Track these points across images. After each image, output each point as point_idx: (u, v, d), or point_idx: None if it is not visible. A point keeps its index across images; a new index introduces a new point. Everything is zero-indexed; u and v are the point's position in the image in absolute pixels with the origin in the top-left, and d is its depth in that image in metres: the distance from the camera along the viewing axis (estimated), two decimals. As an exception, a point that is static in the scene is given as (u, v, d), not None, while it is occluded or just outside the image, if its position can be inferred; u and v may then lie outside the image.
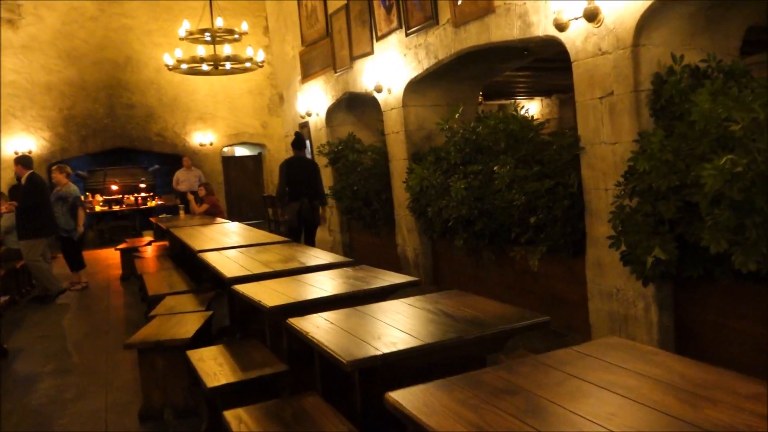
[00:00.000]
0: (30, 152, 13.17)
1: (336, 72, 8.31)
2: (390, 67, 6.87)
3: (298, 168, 7.35)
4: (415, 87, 6.68)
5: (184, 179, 13.23)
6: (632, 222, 3.60)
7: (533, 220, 4.81)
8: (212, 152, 15.64)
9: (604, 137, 4.21)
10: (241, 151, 17.43)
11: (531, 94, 11.61)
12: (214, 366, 3.10)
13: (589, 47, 4.22)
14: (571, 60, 4.41)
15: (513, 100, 11.86)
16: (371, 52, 7.25)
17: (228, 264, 4.29)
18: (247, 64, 11.93)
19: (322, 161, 9.10)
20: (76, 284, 8.05)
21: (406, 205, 6.87)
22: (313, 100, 9.21)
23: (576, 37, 4.30)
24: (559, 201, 4.57)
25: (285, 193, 7.27)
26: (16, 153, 12.42)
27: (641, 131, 3.87)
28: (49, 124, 13.90)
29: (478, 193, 5.48)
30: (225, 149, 16.19)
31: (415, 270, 6.97)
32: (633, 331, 4.22)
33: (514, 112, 5.30)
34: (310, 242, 7.22)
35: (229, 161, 16.47)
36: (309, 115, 9.39)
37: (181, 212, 9.62)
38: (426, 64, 6.24)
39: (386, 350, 2.05)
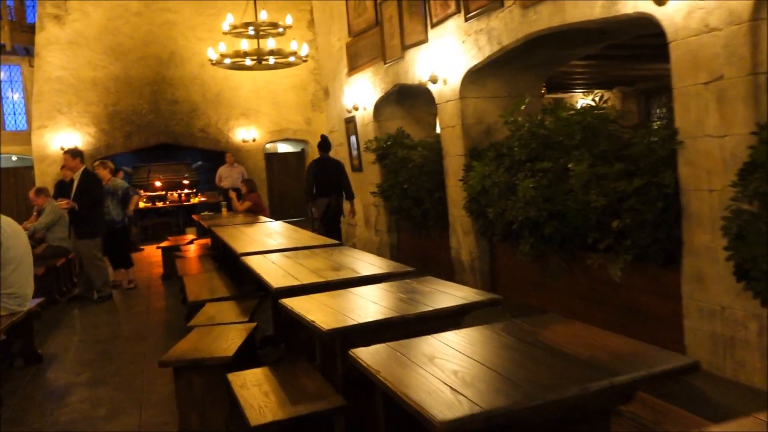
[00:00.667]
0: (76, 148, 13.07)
1: (386, 63, 7.80)
2: (446, 56, 6.32)
3: (325, 168, 8.17)
4: (473, 77, 6.12)
5: (226, 176, 12.95)
6: (754, 230, 2.97)
7: (616, 225, 4.20)
8: (255, 148, 15.34)
9: (710, 129, 3.57)
10: (283, 148, 17.10)
11: (590, 87, 10.88)
12: (258, 395, 2.62)
13: (692, 24, 3.59)
14: (669, 40, 3.78)
15: (570, 93, 11.19)
16: (425, 40, 6.71)
17: (273, 270, 3.82)
18: (291, 59, 11.53)
19: (369, 158, 8.62)
20: (129, 282, 7.87)
21: (462, 205, 6.32)
22: (360, 94, 8.73)
23: (676, 12, 3.68)
24: (651, 203, 3.95)
25: (312, 191, 8.07)
26: (62, 149, 12.31)
27: (763, 121, 3.23)
28: (94, 120, 13.81)
29: (547, 194, 4.88)
30: (267, 146, 15.88)
31: (471, 275, 6.42)
32: (741, 357, 3.58)
33: (593, 102, 4.68)
34: (334, 235, 7.50)
35: (271, 158, 16.17)
36: (356, 109, 8.91)
37: (224, 209, 9.27)
38: (487, 51, 5.66)
39: (491, 408, 1.52)
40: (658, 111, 11.33)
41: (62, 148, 12.45)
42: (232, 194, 9.41)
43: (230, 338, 3.45)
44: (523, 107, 5.42)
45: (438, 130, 7.37)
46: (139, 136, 14.22)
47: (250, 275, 4.38)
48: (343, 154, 9.87)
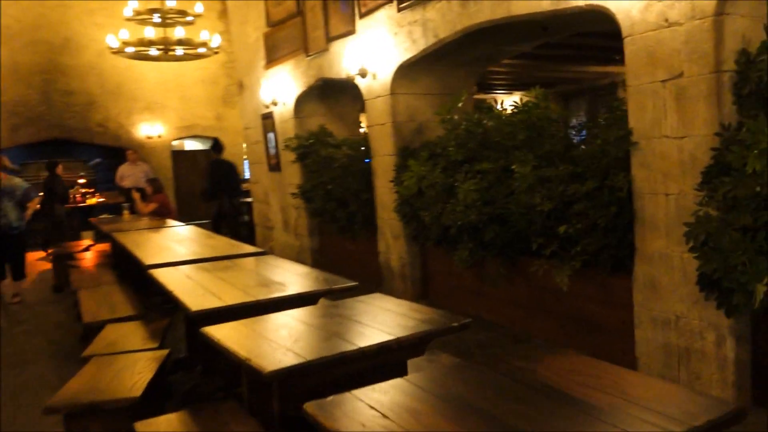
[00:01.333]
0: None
1: (308, 56, 7.28)
2: (376, 49, 5.91)
3: (219, 169, 9.05)
4: (405, 72, 5.74)
5: (128, 174, 11.89)
6: (728, 238, 2.76)
7: (563, 230, 3.94)
8: (160, 145, 14.27)
9: (667, 130, 3.36)
10: (190, 145, 16.06)
11: (511, 88, 10.83)
12: (176, 452, 2.08)
13: (650, 17, 3.36)
14: (624, 35, 3.55)
15: (490, 94, 11.10)
16: (353, 32, 6.26)
17: (189, 287, 3.24)
18: (201, 50, 10.72)
19: (288, 156, 8.05)
20: (14, 296, 6.79)
21: (392, 207, 5.93)
22: (280, 88, 8.15)
23: (633, 5, 3.44)
24: (603, 207, 3.72)
25: (208, 192, 8.90)
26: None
27: (726, 122, 3.04)
28: (-27, 111, 12.28)
29: (487, 196, 4.58)
30: (174, 143, 14.84)
31: (402, 282, 6.04)
32: (697, 368, 3.40)
33: (534, 100, 4.42)
34: (235, 235, 7.70)
35: (178, 156, 15.12)
36: (275, 104, 8.31)
37: (126, 212, 8.40)
38: (422, 44, 5.29)
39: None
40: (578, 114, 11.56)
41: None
42: (136, 195, 8.54)
43: (137, 372, 2.85)
44: (460, 104, 5.10)
45: (363, 129, 6.95)
46: (27, 130, 12.80)
47: (158, 289, 3.78)
48: (259, 152, 9.23)
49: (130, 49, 10.36)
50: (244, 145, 16.17)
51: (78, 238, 11.52)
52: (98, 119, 13.47)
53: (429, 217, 5.08)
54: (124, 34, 10.16)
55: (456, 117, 5.11)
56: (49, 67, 12.95)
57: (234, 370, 2.88)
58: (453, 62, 5.81)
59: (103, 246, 8.73)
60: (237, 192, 9.20)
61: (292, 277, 3.42)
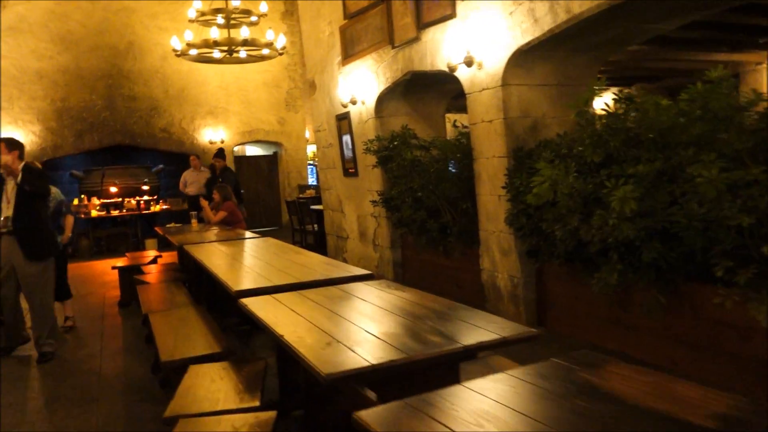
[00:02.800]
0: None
1: (394, 47, 6.47)
2: (484, 33, 5.04)
3: (232, 176, 9.84)
4: (521, 59, 4.85)
5: (192, 181, 11.37)
6: None
7: (769, 251, 2.97)
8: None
9: None
10: (252, 150, 15.54)
11: (608, 84, 9.74)
12: None
13: None
14: None
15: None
16: (452, 15, 5.41)
17: (303, 330, 2.44)
18: (265, 51, 10.15)
19: (368, 161, 7.26)
20: (66, 319, 6.01)
21: (502, 218, 5.04)
22: (358, 86, 7.37)
23: None
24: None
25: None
26: None
27: None
28: (39, 117, 12.03)
29: (644, 206, 3.64)
30: (236, 148, 14.34)
31: (512, 305, 5.13)
32: None
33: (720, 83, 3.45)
34: None
35: (241, 161, 14.61)
36: (353, 103, 7.55)
37: (194, 221, 7.77)
38: (548, 23, 4.39)
39: None
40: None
41: None
42: (204, 203, 7.91)
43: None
44: (598, 96, 4.17)
45: (458, 128, 6.09)
46: (91, 136, 12.49)
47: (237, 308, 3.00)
48: (333, 156, 8.49)
49: (193, 52, 9.84)
50: (309, 150, 15.64)
51: (141, 247, 11.08)
52: (161, 124, 13.07)
53: (561, 231, 4.16)
54: (189, 35, 9.66)
55: (592, 110, 4.19)
56: (112, 72, 12.63)
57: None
58: (576, 47, 4.89)
59: (169, 255, 8.15)
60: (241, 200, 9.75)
61: (443, 319, 2.56)
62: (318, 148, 9.14)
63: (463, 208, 5.65)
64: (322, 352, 2.12)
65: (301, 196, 12.65)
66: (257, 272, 3.88)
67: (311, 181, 15.51)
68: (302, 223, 10.12)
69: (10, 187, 4.75)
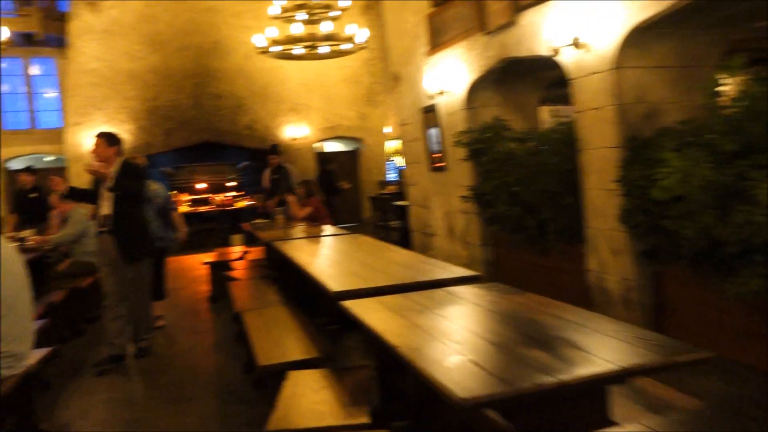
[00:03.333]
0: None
1: (487, 33, 6.10)
2: (593, 11, 4.60)
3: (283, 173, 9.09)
4: (637, 39, 4.38)
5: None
6: None
7: None
8: (304, 147, 13.80)
9: None
10: (331, 146, 15.46)
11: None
12: None
13: None
14: None
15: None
16: (556, -5, 4.99)
17: (414, 339, 2.17)
18: (345, 46, 10.04)
19: (457, 154, 6.93)
20: (159, 319, 5.77)
21: (613, 214, 4.58)
22: (446, 76, 7.05)
23: None
24: None
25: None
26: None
27: None
28: (132, 116, 12.45)
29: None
30: (316, 144, 14.33)
31: (624, 309, 4.67)
32: None
33: None
34: None
35: (323, 157, 14.59)
36: (441, 94, 7.24)
37: (279, 216, 7.71)
38: (673, -5, 3.92)
39: None
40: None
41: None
42: (291, 199, 7.82)
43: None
44: (740, 77, 3.67)
45: (560, 118, 5.66)
46: (180, 134, 12.81)
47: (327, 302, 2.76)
48: (418, 151, 8.21)
49: (275, 48, 9.85)
50: (390, 145, 15.49)
51: (227, 243, 11.22)
52: (246, 122, 13.23)
53: (691, 230, 3.69)
54: (271, 32, 9.67)
55: (732, 91, 3.69)
56: (199, 71, 12.89)
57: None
58: (700, 23, 4.36)
59: (255, 251, 8.13)
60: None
61: (575, 328, 2.22)
62: (403, 143, 8.89)
63: (565, 203, 5.22)
64: (448, 369, 1.84)
65: (382, 191, 12.47)
66: (353, 272, 3.65)
67: (390, 177, 15.32)
68: (386, 219, 9.90)
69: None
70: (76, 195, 5.00)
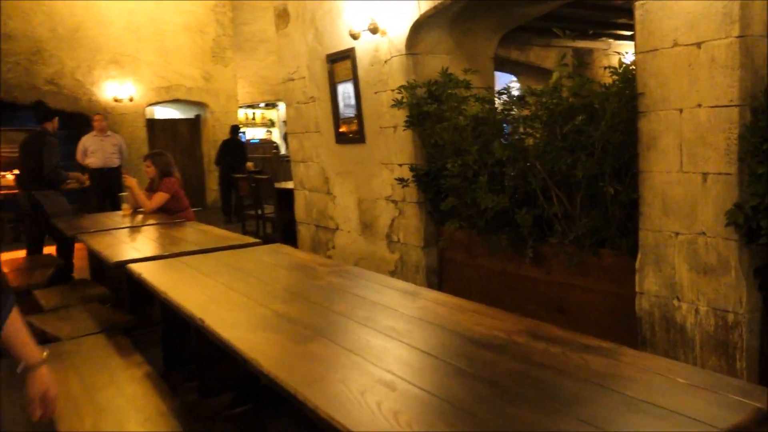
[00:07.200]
0: None
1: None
2: None
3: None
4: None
5: (96, 149, 8.33)
6: None
7: None
8: (132, 112, 10.60)
9: None
10: (165, 112, 12.30)
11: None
12: None
13: None
14: None
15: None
16: None
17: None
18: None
19: (384, 119, 4.84)
20: None
21: (714, 213, 2.86)
22: (376, 9, 4.86)
23: None
24: None
25: None
26: None
27: None
28: None
29: None
30: (147, 109, 11.17)
31: (715, 357, 2.99)
32: None
33: None
34: None
35: (153, 125, 11.45)
36: (355, 38, 5.03)
37: (126, 207, 4.98)
38: None
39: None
40: None
41: None
42: (131, 182, 5.09)
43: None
44: None
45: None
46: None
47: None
48: (318, 115, 5.94)
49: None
50: (241, 114, 12.75)
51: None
52: (48, 74, 9.66)
53: None
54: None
55: None
56: (-26, 0, 9.06)
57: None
58: None
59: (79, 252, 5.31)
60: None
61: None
62: (289, 105, 6.50)
63: (611, 192, 3.39)
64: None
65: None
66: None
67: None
68: (258, 206, 7.48)
69: None
70: None
